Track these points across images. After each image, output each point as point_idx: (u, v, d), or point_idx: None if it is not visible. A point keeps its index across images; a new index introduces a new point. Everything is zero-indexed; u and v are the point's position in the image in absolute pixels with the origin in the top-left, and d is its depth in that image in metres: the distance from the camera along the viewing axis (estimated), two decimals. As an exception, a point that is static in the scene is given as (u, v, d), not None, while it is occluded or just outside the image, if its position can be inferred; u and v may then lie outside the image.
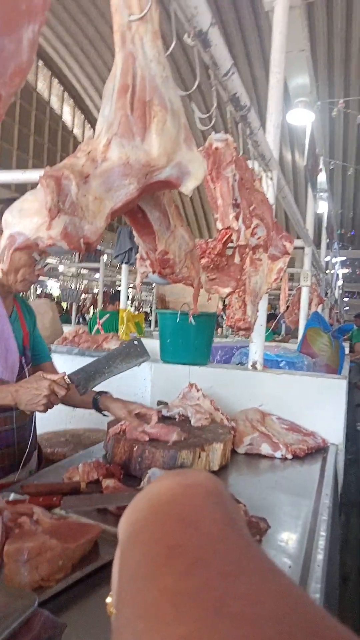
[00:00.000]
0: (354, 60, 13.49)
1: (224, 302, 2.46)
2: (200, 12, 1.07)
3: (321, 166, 5.67)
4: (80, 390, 1.49)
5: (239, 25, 13.12)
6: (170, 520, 0.26)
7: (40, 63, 17.28)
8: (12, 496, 1.16)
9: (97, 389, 1.61)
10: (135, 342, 1.55)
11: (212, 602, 0.20)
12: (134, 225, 1.00)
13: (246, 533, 0.26)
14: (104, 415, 1.65)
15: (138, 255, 1.05)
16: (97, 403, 1.64)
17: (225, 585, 0.21)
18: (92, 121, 20.16)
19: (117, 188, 0.80)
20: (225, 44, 1.19)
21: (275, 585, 0.22)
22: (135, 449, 1.46)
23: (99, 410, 1.65)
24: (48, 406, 1.40)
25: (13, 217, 0.74)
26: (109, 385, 2.41)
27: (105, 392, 1.68)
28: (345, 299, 18.93)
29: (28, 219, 0.72)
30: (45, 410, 1.41)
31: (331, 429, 1.97)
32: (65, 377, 1.45)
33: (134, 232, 1.03)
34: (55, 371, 1.77)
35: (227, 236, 1.39)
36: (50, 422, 2.49)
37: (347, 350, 3.99)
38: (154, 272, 1.02)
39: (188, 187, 0.88)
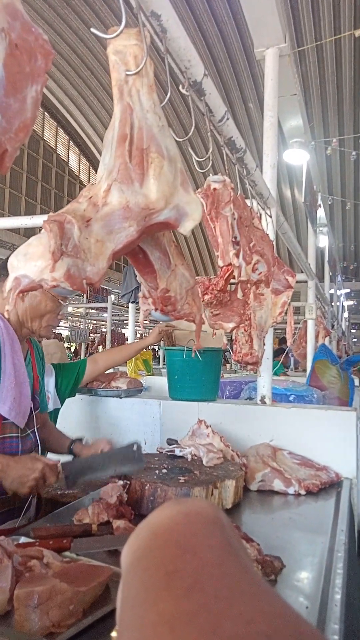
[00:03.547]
0: (347, 101, 14.00)
1: (230, 338, 2.47)
2: (193, 65, 1.14)
3: (319, 202, 5.79)
4: (69, 482, 1.49)
5: (234, 73, 13.75)
6: (169, 547, 0.27)
7: (46, 114, 18.08)
8: (22, 539, 1.14)
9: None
10: (135, 448, 1.53)
11: (207, 624, 0.21)
12: (136, 265, 1.03)
13: (243, 558, 0.27)
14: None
15: (140, 294, 1.07)
16: (72, 448, 1.80)
17: (221, 607, 0.22)
18: (96, 167, 20.85)
19: (118, 230, 0.83)
20: (222, 90, 1.28)
21: (269, 607, 0.22)
22: (146, 487, 1.45)
23: (72, 454, 1.78)
24: (32, 490, 1.37)
25: (18, 260, 0.77)
26: (119, 424, 2.41)
27: (80, 439, 1.84)
28: (353, 331, 18.85)
29: (32, 262, 0.75)
30: (28, 494, 1.38)
31: (344, 462, 1.93)
32: (59, 464, 1.45)
33: (136, 272, 1.06)
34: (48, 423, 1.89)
35: (228, 273, 1.42)
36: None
37: (357, 382, 3.95)
38: (156, 309, 1.04)
39: (186, 228, 0.91)
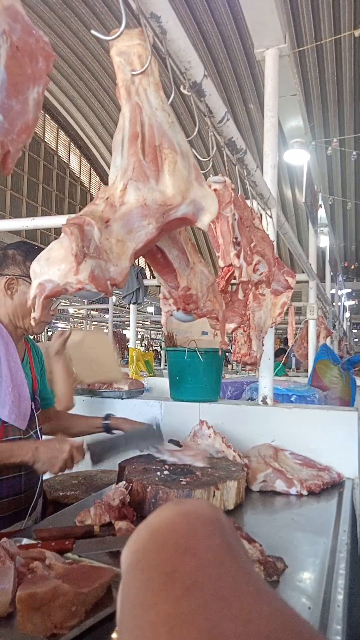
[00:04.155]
0: (347, 101, 13.99)
1: (231, 338, 2.48)
2: (193, 66, 1.14)
3: (320, 202, 5.79)
4: (94, 460, 1.56)
5: (234, 73, 13.76)
6: (167, 548, 0.27)
7: (47, 116, 18.11)
8: (24, 541, 1.14)
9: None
10: (155, 427, 1.67)
11: (205, 624, 0.21)
12: (155, 266, 1.03)
13: (243, 558, 0.27)
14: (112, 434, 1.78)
15: (161, 295, 1.07)
16: (108, 424, 1.78)
17: (219, 607, 0.22)
18: (97, 168, 20.89)
19: (138, 229, 0.83)
20: (222, 91, 1.28)
21: (267, 606, 0.22)
22: (149, 489, 1.44)
23: (108, 431, 1.77)
24: (62, 469, 1.44)
25: (41, 266, 0.77)
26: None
27: (111, 414, 1.83)
28: (354, 331, 18.83)
29: (56, 266, 0.75)
30: (57, 472, 1.45)
31: (346, 462, 1.93)
32: (85, 445, 1.51)
33: (155, 273, 1.06)
34: (60, 413, 1.86)
35: (229, 273, 1.42)
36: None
37: (359, 382, 3.94)
38: (178, 309, 1.04)
39: (204, 222, 0.91)
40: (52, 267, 0.76)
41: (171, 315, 1.08)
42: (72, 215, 0.80)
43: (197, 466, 1.56)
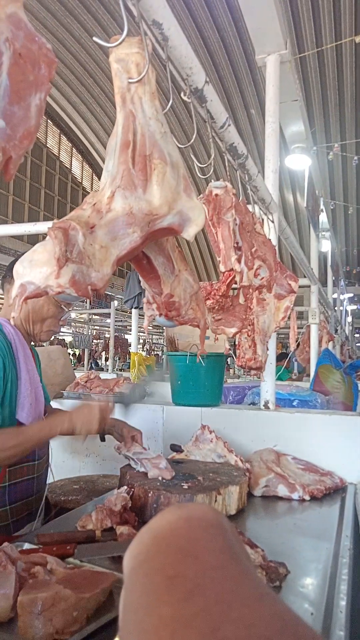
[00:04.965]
0: (348, 106, 14.04)
1: (233, 343, 2.48)
2: (195, 72, 1.15)
3: (322, 207, 5.80)
4: (126, 406, 1.83)
5: (235, 79, 13.82)
6: (170, 551, 0.27)
7: (49, 122, 18.21)
8: (25, 545, 1.14)
9: None
10: (144, 384, 1.85)
11: (208, 627, 0.21)
12: (140, 271, 1.04)
13: (245, 562, 0.27)
14: (102, 440, 1.82)
15: (145, 300, 1.08)
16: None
17: (221, 610, 0.22)
18: (99, 174, 20.91)
19: (122, 236, 0.84)
20: (223, 97, 1.29)
21: (269, 610, 0.22)
22: (150, 494, 1.44)
23: (103, 433, 1.77)
24: (100, 428, 1.50)
25: (24, 267, 0.78)
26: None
27: None
28: (356, 335, 18.78)
29: (38, 268, 0.76)
30: (99, 431, 1.52)
31: (348, 467, 1.92)
32: (110, 404, 1.58)
33: (140, 277, 1.06)
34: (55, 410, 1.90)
35: (230, 278, 1.43)
36: (64, 469, 2.46)
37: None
38: (160, 315, 1.05)
39: (190, 233, 0.92)
40: (34, 269, 0.77)
41: (154, 319, 1.10)
42: (58, 220, 0.81)
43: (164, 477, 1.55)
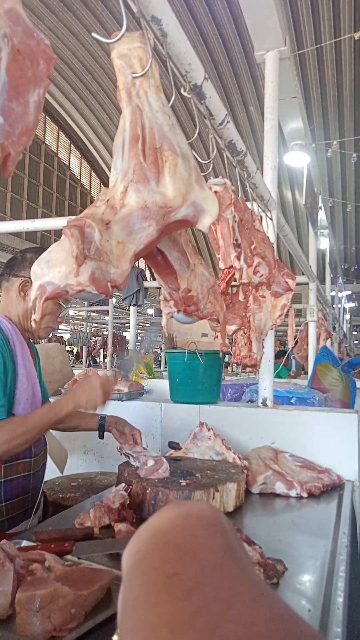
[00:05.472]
0: (347, 103, 14.02)
1: (231, 340, 2.49)
2: (194, 68, 1.15)
3: (320, 204, 5.80)
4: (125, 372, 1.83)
5: (235, 76, 13.78)
6: (169, 549, 0.27)
7: (48, 118, 18.14)
8: (23, 543, 1.14)
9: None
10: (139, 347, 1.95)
11: (206, 625, 0.21)
12: (156, 268, 1.03)
13: (244, 560, 0.27)
14: (100, 438, 1.80)
15: (161, 297, 1.07)
16: (104, 422, 1.78)
17: (221, 609, 0.22)
18: (97, 170, 20.91)
19: (138, 231, 0.83)
20: (222, 93, 1.28)
21: (268, 608, 0.22)
22: (148, 491, 1.44)
23: (102, 430, 1.78)
24: (105, 399, 1.50)
25: (42, 268, 0.77)
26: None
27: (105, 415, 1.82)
28: (354, 333, 18.81)
29: (56, 268, 0.75)
30: (104, 403, 1.51)
31: (346, 465, 1.93)
32: (109, 371, 1.57)
33: (156, 275, 1.06)
34: None
35: (229, 275, 1.43)
36: (61, 467, 2.46)
37: (359, 384, 3.94)
38: (178, 311, 1.04)
39: (204, 224, 0.91)
40: (52, 269, 0.76)
41: (172, 317, 1.09)
42: (73, 217, 0.81)
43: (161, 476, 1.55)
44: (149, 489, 1.44)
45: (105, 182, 20.12)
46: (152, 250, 0.96)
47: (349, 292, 15.06)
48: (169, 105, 0.97)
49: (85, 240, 0.76)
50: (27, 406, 1.51)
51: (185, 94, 1.20)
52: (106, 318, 10.88)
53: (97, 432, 1.79)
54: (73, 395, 1.48)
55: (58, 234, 0.79)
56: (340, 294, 10.42)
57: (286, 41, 2.51)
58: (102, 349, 14.68)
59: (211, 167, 1.28)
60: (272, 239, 1.99)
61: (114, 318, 10.20)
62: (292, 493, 1.71)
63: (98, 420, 1.80)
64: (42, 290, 0.77)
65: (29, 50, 0.71)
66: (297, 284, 1.99)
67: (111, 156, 0.93)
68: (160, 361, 10.80)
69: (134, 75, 0.89)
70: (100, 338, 15.03)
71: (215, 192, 1.26)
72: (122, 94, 0.91)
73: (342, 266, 15.18)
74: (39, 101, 0.76)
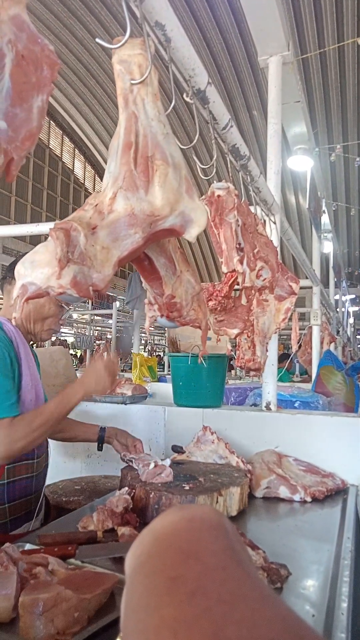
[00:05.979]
0: (350, 107, 14.03)
1: (235, 344, 2.49)
2: (197, 73, 1.15)
3: (324, 208, 5.80)
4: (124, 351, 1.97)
5: (238, 81, 13.82)
6: (171, 552, 0.27)
7: (52, 123, 18.24)
8: (27, 546, 1.14)
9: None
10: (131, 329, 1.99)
11: (209, 628, 0.21)
12: (141, 272, 1.04)
13: (247, 563, 0.27)
14: (99, 449, 1.80)
15: (146, 300, 1.08)
16: (103, 434, 1.78)
17: (223, 611, 0.22)
18: (101, 175, 20.97)
19: (124, 237, 0.84)
20: (226, 98, 1.29)
21: (271, 611, 0.22)
22: (151, 495, 1.44)
23: (101, 442, 1.78)
24: (113, 381, 1.53)
25: (25, 268, 0.78)
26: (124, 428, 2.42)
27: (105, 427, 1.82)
28: (358, 337, 18.75)
29: (39, 269, 0.76)
30: (112, 385, 1.55)
31: (350, 469, 1.92)
32: (112, 354, 1.62)
33: (142, 278, 1.06)
34: None
35: (232, 279, 1.43)
36: (66, 470, 2.47)
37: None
38: (162, 316, 1.05)
39: (192, 234, 0.92)
40: (35, 270, 0.77)
41: (155, 320, 1.10)
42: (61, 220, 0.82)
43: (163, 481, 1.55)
44: (152, 493, 1.44)
45: (109, 186, 20.11)
46: (139, 255, 0.97)
47: (353, 296, 15.01)
48: (169, 110, 0.97)
49: (70, 244, 0.77)
50: (30, 406, 1.52)
51: (188, 99, 1.20)
52: (110, 321, 10.89)
53: (97, 443, 1.80)
54: (82, 383, 1.50)
55: (61, 238, 0.80)
56: (344, 298, 10.40)
57: (289, 46, 2.52)
58: (105, 352, 14.65)
59: (215, 171, 1.28)
60: (276, 242, 1.99)
61: (118, 321, 10.20)
62: (296, 497, 1.70)
63: (98, 432, 1.80)
64: (24, 290, 0.78)
65: (33, 56, 0.72)
66: (301, 288, 1.99)
67: (115, 161, 0.94)
68: (163, 365, 10.79)
69: (132, 81, 0.90)
70: (103, 342, 15.04)
71: (219, 196, 1.26)
72: (119, 100, 0.92)
73: (346, 270, 15.16)
74: (43, 106, 0.76)
